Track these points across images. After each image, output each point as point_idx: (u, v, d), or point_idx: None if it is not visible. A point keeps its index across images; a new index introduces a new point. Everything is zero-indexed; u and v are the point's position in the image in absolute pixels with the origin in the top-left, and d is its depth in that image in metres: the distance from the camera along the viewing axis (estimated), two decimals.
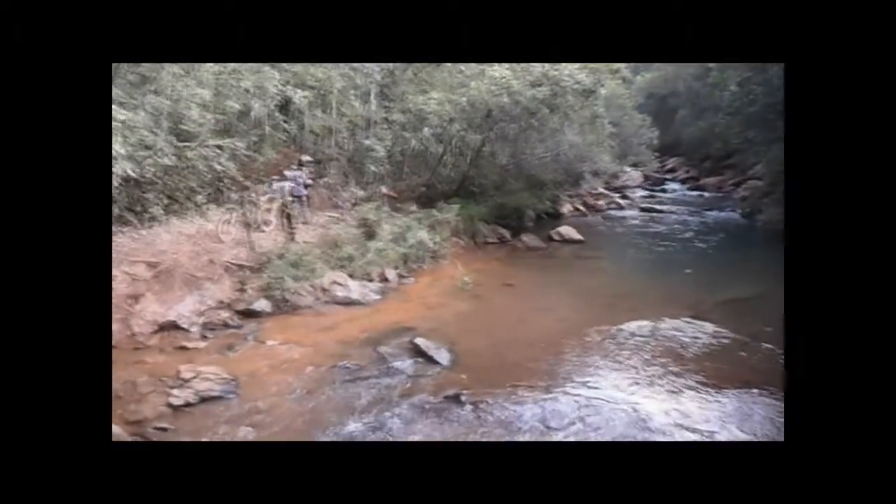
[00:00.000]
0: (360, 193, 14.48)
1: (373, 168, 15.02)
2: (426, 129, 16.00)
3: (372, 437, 5.56)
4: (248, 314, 8.70)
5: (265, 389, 6.40)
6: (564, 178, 19.64)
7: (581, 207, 21.53)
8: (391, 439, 5.54)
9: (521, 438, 5.62)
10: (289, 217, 11.11)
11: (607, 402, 6.28)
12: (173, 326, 7.96)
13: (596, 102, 17.18)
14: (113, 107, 8.01)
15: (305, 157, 13.05)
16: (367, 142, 15.10)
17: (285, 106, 13.96)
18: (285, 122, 14.08)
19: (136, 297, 7.94)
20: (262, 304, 8.87)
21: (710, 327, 8.49)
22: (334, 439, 5.50)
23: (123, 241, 8.99)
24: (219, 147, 11.19)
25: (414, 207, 14.84)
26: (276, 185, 11.75)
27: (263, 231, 11.48)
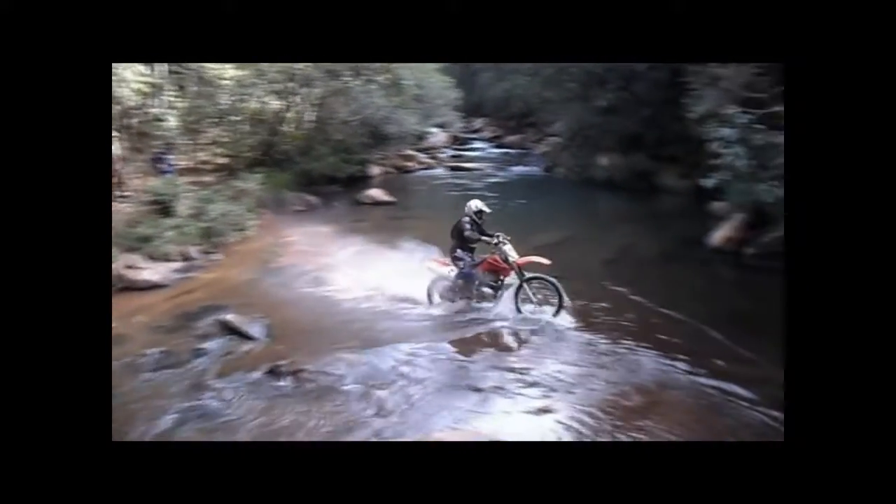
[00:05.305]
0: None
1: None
2: (224, 97, 15.09)
3: (194, 422, 5.25)
4: None
5: None
6: (372, 141, 19.59)
7: (391, 169, 21.69)
8: (216, 420, 5.28)
9: (344, 399, 5.59)
10: None
11: (427, 353, 6.47)
12: None
13: (398, 66, 17.24)
14: None
15: None
16: (156, 110, 13.89)
17: None
18: None
19: None
20: None
21: None
22: (149, 431, 5.12)
23: None
24: None
25: (211, 178, 14.03)
26: None
27: None
